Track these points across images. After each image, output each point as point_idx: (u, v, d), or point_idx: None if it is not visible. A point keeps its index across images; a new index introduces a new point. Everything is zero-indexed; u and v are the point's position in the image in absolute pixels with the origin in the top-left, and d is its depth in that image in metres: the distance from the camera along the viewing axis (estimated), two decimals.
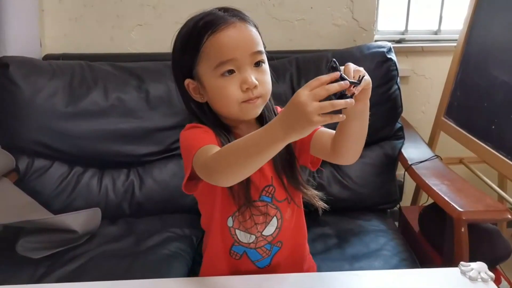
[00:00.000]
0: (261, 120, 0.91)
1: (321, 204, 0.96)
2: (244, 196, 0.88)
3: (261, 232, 0.93)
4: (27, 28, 1.71)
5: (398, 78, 1.69)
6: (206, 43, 0.84)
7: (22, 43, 1.67)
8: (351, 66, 0.72)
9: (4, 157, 1.48)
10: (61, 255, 1.32)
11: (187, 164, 0.84)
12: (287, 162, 0.93)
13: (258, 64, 0.86)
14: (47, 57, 1.76)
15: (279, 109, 0.97)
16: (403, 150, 1.66)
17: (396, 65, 1.68)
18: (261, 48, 0.87)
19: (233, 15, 0.86)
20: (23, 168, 1.53)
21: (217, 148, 0.80)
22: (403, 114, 1.73)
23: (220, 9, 0.87)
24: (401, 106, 1.69)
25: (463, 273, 0.92)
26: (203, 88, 0.88)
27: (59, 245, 1.33)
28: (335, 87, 0.66)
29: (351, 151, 0.84)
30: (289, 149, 0.92)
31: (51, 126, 1.53)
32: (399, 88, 1.68)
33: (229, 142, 0.85)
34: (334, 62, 0.70)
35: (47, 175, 1.55)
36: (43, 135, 1.53)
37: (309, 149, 0.92)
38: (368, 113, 0.79)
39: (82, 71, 1.61)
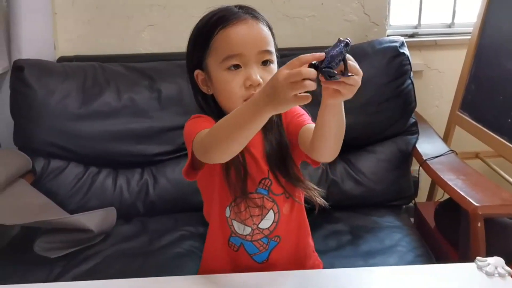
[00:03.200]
0: None
1: (319, 201, 0.94)
2: (240, 187, 0.89)
3: (257, 225, 0.93)
4: (41, 31, 1.73)
5: (411, 73, 1.67)
6: (216, 37, 0.86)
7: (36, 46, 1.69)
8: (351, 61, 0.71)
9: (21, 159, 1.51)
10: (77, 255, 1.33)
11: (188, 150, 0.87)
12: (280, 157, 0.93)
13: (265, 63, 0.87)
14: (61, 59, 1.78)
15: None
16: (417, 145, 1.64)
17: (409, 60, 1.66)
18: (271, 48, 0.88)
19: (247, 12, 0.88)
20: (39, 169, 1.55)
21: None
22: (416, 109, 1.71)
23: (236, 6, 0.89)
24: (415, 101, 1.67)
25: (480, 268, 0.90)
26: (210, 80, 0.90)
27: (75, 244, 1.35)
28: (310, 74, 0.66)
29: (327, 148, 0.83)
30: (281, 144, 0.92)
31: (65, 127, 1.55)
32: (412, 83, 1.67)
33: None
34: (347, 43, 0.68)
35: (62, 175, 1.57)
36: (58, 137, 1.55)
37: (297, 144, 0.92)
38: (342, 110, 0.77)
39: (95, 73, 1.62)
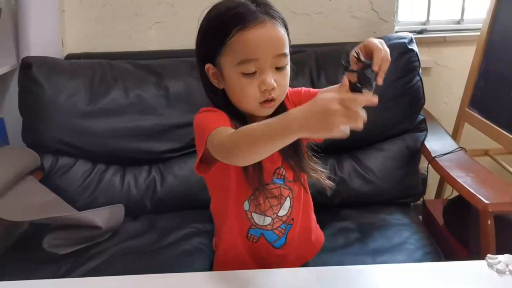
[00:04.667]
0: (274, 115, 0.91)
1: (327, 183, 0.96)
2: (257, 179, 0.89)
3: (277, 214, 0.95)
4: (48, 29, 1.74)
5: (420, 69, 1.66)
6: (234, 38, 0.84)
7: (45, 43, 1.70)
8: (382, 53, 0.74)
9: (30, 156, 1.51)
10: (85, 251, 1.34)
11: (199, 145, 0.86)
12: (293, 145, 0.92)
13: (280, 68, 0.87)
14: (69, 57, 1.79)
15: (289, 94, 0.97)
16: (426, 143, 1.63)
17: (417, 56, 1.65)
18: (286, 50, 0.87)
19: (265, 12, 0.85)
20: (47, 166, 1.56)
21: (231, 130, 0.82)
22: (425, 106, 1.69)
23: (252, 1, 0.86)
24: (423, 98, 1.66)
25: (490, 266, 0.89)
26: (222, 77, 0.89)
27: (83, 241, 1.35)
28: (364, 100, 0.68)
29: None
30: None
31: (73, 124, 1.55)
32: (421, 80, 1.65)
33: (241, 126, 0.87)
34: (368, 65, 0.69)
35: (71, 172, 1.57)
36: (66, 134, 1.55)
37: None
38: None
39: (102, 70, 1.63)
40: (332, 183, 0.97)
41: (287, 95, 0.95)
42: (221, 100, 0.92)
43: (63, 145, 1.56)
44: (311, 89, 1.01)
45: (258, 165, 0.89)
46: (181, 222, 1.50)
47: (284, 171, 0.95)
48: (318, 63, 1.65)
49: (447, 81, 2.05)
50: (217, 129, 0.82)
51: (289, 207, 0.96)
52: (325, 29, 1.89)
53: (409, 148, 1.63)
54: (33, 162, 1.51)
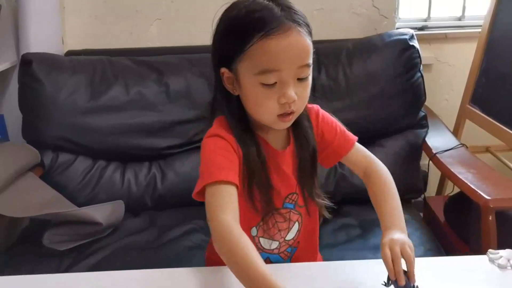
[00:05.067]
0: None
1: (325, 214, 0.94)
2: (267, 205, 0.86)
3: (284, 238, 0.92)
4: (49, 26, 1.73)
5: (421, 66, 1.65)
6: (255, 45, 0.76)
7: (45, 40, 1.70)
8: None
9: (30, 152, 1.51)
10: (85, 248, 1.34)
11: (201, 178, 0.81)
12: (310, 173, 0.91)
13: (302, 79, 0.80)
14: (69, 53, 1.78)
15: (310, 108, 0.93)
16: (427, 139, 1.63)
17: (418, 53, 1.64)
18: (310, 60, 0.80)
19: (290, 18, 0.77)
20: (48, 162, 1.55)
21: (227, 191, 0.77)
22: (426, 103, 1.69)
23: (277, 4, 0.78)
24: (424, 95, 1.66)
25: (492, 261, 0.89)
26: (237, 84, 0.82)
27: (84, 237, 1.35)
28: None
29: None
30: (313, 161, 0.90)
31: (73, 121, 1.55)
32: (422, 76, 1.65)
33: (249, 153, 0.83)
34: None
35: (71, 169, 1.57)
36: (66, 130, 1.55)
37: (339, 160, 0.94)
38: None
39: (103, 67, 1.62)
40: (329, 215, 0.94)
41: (314, 111, 0.91)
42: (233, 106, 0.84)
43: (63, 142, 1.55)
44: (345, 135, 0.94)
45: (271, 191, 0.85)
46: (182, 219, 1.50)
47: (297, 197, 0.91)
48: (318, 60, 1.64)
49: (448, 77, 2.05)
50: (216, 187, 0.77)
51: (297, 231, 0.93)
52: (326, 26, 1.88)
53: (410, 145, 1.63)
54: (33, 158, 1.51)
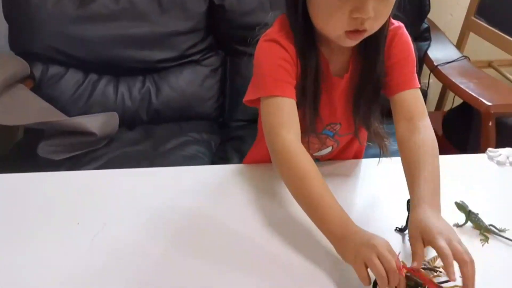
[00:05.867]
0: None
1: (384, 150, 0.86)
2: (307, 128, 0.79)
3: (312, 154, 0.88)
4: None
5: None
6: None
7: None
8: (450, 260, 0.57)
9: (19, 64, 1.46)
10: (82, 157, 1.33)
11: (253, 89, 0.76)
12: (368, 108, 0.81)
13: None
14: None
15: None
16: (429, 52, 1.58)
17: None
18: None
19: None
20: (38, 75, 1.51)
21: (288, 106, 0.72)
22: (430, 17, 1.62)
23: None
24: (429, 4, 1.58)
25: (491, 158, 0.89)
26: None
27: (79, 148, 1.34)
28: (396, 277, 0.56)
29: None
30: (375, 93, 0.79)
31: (62, 30, 1.48)
32: None
33: (307, 76, 0.74)
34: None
35: (62, 82, 1.53)
36: (56, 40, 1.49)
37: (391, 95, 0.80)
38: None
39: None
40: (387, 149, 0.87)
41: (394, 31, 0.78)
42: (299, 20, 0.72)
43: (53, 52, 1.49)
44: (412, 74, 0.79)
45: (315, 115, 0.78)
46: (178, 132, 1.48)
47: (339, 127, 0.85)
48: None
49: None
50: (274, 100, 0.72)
51: (328, 152, 0.90)
52: None
53: None
54: (22, 69, 1.46)
